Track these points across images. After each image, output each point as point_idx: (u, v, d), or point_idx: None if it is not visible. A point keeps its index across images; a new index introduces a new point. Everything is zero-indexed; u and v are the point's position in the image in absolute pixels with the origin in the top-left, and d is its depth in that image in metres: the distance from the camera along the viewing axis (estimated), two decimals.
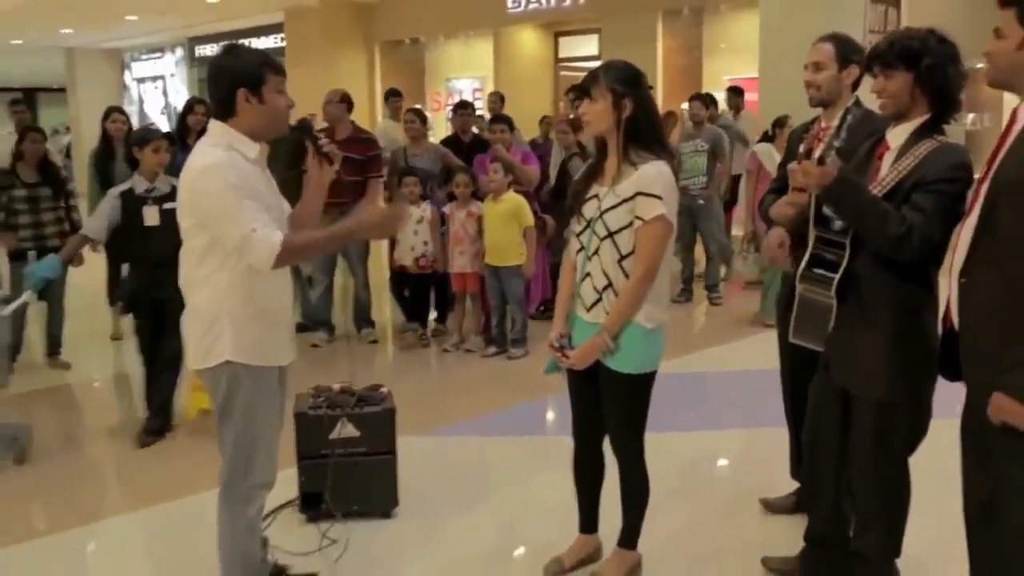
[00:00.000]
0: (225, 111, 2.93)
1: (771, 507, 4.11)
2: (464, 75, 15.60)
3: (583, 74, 13.23)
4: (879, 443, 3.01)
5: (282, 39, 16.85)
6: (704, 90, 10.70)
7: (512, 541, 3.94)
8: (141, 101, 22.55)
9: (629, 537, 3.47)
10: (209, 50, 20.02)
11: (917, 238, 2.74)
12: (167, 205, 4.73)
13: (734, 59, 12.18)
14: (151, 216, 4.96)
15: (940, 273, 2.90)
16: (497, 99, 9.71)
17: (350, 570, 3.63)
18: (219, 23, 18.13)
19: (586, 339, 3.21)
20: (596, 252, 3.17)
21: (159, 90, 22.25)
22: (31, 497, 4.55)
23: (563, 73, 14.66)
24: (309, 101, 7.83)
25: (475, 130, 8.22)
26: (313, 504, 3.97)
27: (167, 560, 3.84)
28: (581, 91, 3.18)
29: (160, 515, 4.24)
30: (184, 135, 7.18)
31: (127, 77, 23.05)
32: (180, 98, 21.28)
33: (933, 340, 2.89)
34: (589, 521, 3.60)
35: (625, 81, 3.11)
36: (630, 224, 3.10)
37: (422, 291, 7.24)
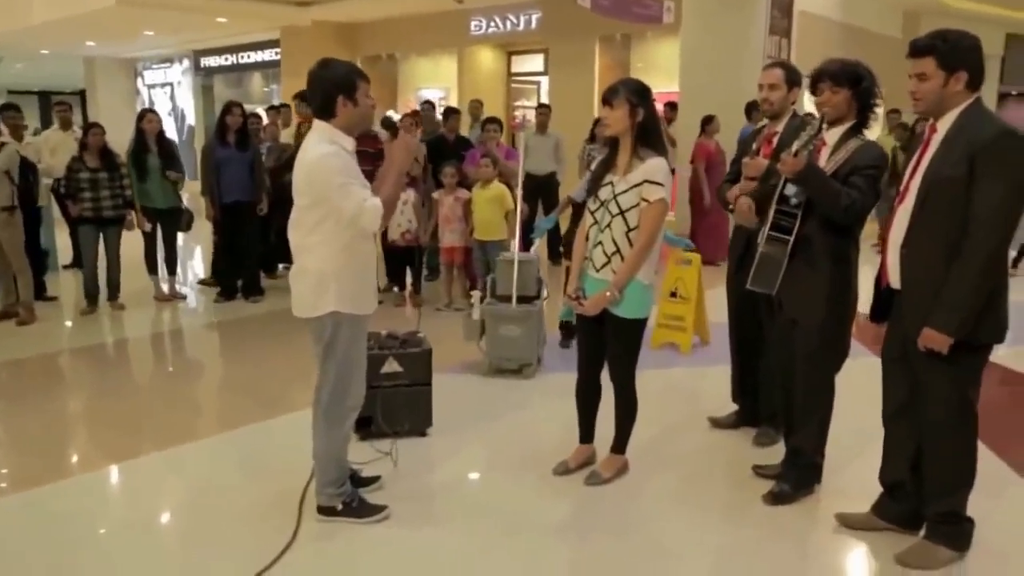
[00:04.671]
0: (326, 113, 2.99)
1: (717, 423, 4.37)
2: (432, 85, 15.53)
3: (531, 86, 13.25)
4: (815, 364, 3.31)
5: (277, 53, 16.59)
6: None
7: (522, 450, 4.06)
8: (152, 104, 21.92)
9: (620, 445, 3.67)
10: (212, 61, 19.49)
11: (857, 207, 3.08)
12: None
13: (655, 76, 12.29)
14: None
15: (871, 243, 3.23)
16: (478, 105, 9.64)
17: (403, 472, 3.77)
18: (224, 38, 17.68)
19: (597, 292, 3.37)
20: (608, 225, 3.31)
21: (167, 95, 21.62)
22: (134, 422, 4.63)
23: (514, 85, 14.72)
24: None
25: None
26: (365, 426, 4.06)
27: (261, 467, 3.92)
28: (603, 101, 3.28)
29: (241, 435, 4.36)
30: (223, 133, 7.18)
31: (139, 83, 22.38)
32: (186, 102, 20.85)
33: (854, 283, 3.27)
34: (588, 434, 3.78)
35: (638, 93, 3.25)
36: (637, 204, 3.26)
37: (404, 262, 7.26)
